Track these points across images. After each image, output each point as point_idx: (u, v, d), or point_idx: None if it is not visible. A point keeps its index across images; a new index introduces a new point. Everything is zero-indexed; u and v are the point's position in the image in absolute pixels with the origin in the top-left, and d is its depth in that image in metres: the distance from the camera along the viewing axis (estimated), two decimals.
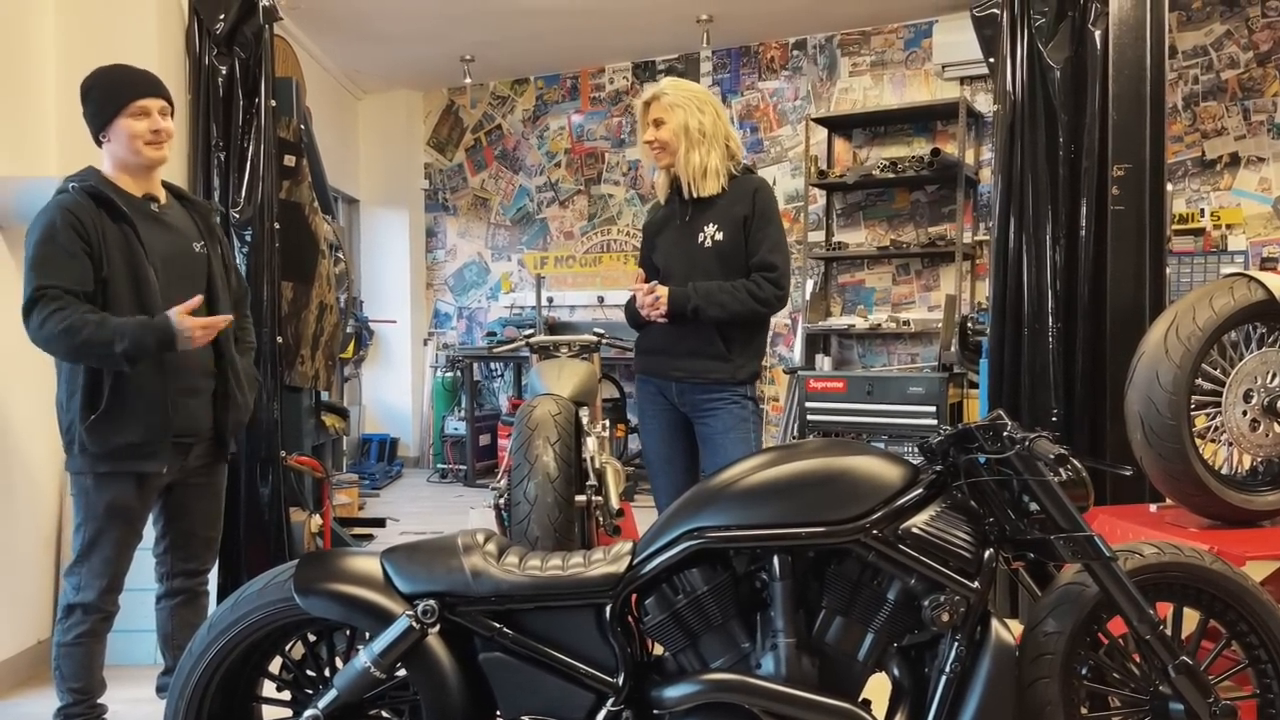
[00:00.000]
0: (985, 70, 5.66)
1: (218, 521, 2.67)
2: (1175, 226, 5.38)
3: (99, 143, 2.45)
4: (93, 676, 2.50)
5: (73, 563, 2.46)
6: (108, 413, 2.33)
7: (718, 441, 2.84)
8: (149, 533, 2.59)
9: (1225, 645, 1.90)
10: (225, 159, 3.61)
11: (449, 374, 7.69)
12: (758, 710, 1.74)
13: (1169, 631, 1.80)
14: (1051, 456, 1.69)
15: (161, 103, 2.45)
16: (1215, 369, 2.56)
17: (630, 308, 2.96)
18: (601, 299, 7.40)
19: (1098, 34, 3.33)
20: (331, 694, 1.80)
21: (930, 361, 6.10)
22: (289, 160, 3.93)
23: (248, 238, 3.60)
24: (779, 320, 6.81)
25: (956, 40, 5.90)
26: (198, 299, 2.32)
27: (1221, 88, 5.57)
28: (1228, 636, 1.89)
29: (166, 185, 2.57)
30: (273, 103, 3.68)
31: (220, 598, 3.25)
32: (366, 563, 1.85)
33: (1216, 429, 2.57)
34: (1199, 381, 2.52)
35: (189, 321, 2.26)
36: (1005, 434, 1.76)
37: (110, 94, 2.40)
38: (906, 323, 6.16)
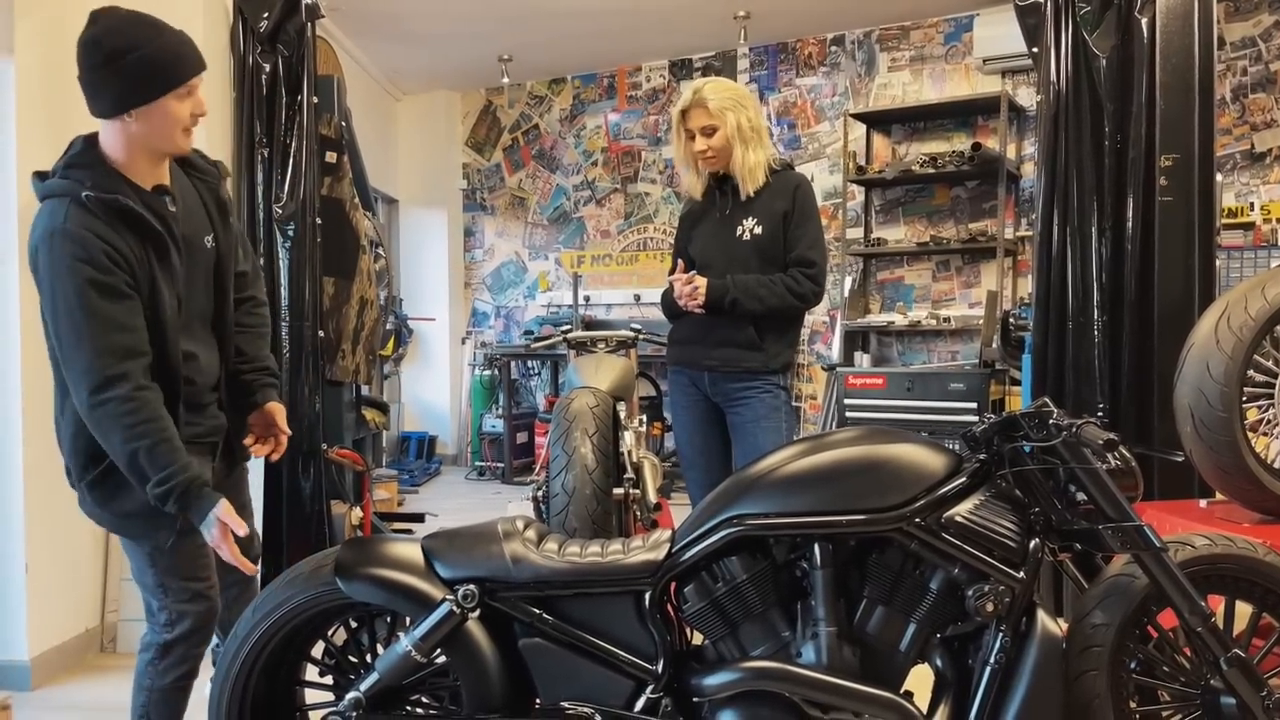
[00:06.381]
0: (1027, 63, 5.61)
1: (250, 510, 2.34)
2: (1224, 220, 5.26)
3: (111, 115, 1.92)
4: None
5: (149, 602, 2.09)
6: (110, 473, 1.94)
7: (749, 430, 2.82)
8: None
9: (1279, 640, 1.85)
10: (269, 155, 3.66)
11: (487, 372, 7.74)
12: (798, 699, 1.73)
13: (1221, 624, 1.76)
14: (1100, 442, 1.65)
15: (201, 77, 2.00)
16: (1268, 360, 2.50)
17: (667, 297, 2.95)
18: (638, 297, 7.41)
19: (1144, 22, 3.27)
20: (373, 677, 1.81)
21: (971, 359, 6.02)
22: (330, 157, 3.98)
23: (290, 233, 3.65)
24: (817, 317, 6.77)
25: (998, 33, 5.83)
26: (244, 529, 1.90)
27: (1271, 79, 5.44)
28: None
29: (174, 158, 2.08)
30: (315, 99, 3.72)
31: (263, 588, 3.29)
32: (408, 549, 1.87)
33: (1269, 422, 2.51)
34: (1251, 373, 2.47)
35: (219, 530, 1.89)
36: (1051, 421, 1.73)
37: (160, 66, 1.90)
38: (947, 320, 6.09)
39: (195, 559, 2.08)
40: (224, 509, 1.89)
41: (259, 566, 2.27)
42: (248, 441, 2.25)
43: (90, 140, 1.97)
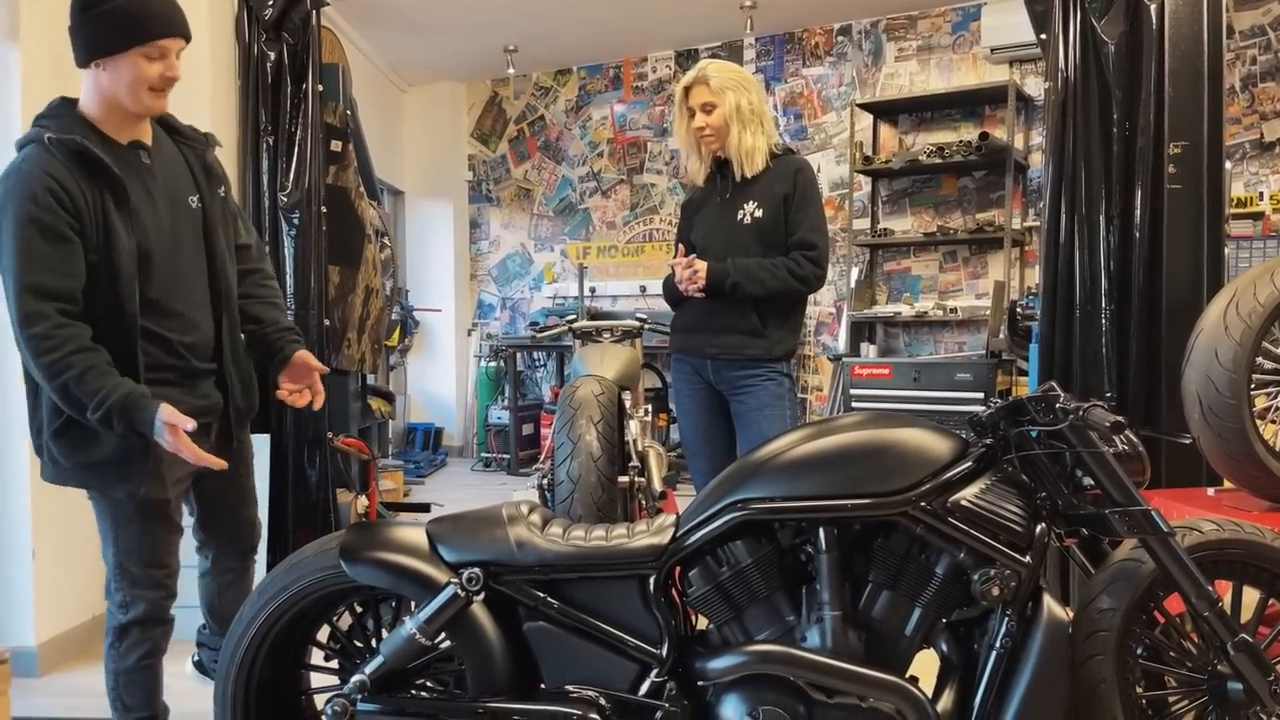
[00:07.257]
0: (1035, 53, 5.57)
1: (254, 497, 2.37)
2: (1233, 210, 5.23)
3: (81, 64, 1.97)
4: (157, 701, 2.20)
5: (109, 580, 2.13)
6: (76, 422, 1.94)
7: (753, 418, 2.81)
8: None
9: None
10: (274, 143, 3.66)
11: (493, 364, 7.74)
12: (803, 683, 1.72)
13: (1228, 610, 1.75)
14: (1107, 425, 1.65)
15: (182, 43, 2.00)
16: (1277, 347, 2.48)
17: (668, 283, 2.94)
18: (644, 288, 7.40)
19: (1153, 8, 3.25)
20: (378, 660, 1.81)
21: (978, 350, 6.00)
22: (336, 145, 3.98)
23: (295, 221, 3.65)
24: (823, 308, 6.75)
25: (1005, 22, 5.79)
26: (192, 424, 1.90)
27: None
28: None
29: (159, 119, 2.12)
30: (320, 88, 3.72)
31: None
32: (412, 532, 1.86)
33: (1278, 409, 2.49)
34: (1259, 360, 2.45)
35: (170, 433, 1.88)
36: (1058, 405, 1.72)
37: (128, 20, 1.91)
38: (954, 310, 6.07)
39: (158, 545, 2.11)
40: (168, 412, 1.88)
41: (261, 550, 2.29)
42: (283, 394, 2.26)
43: (68, 99, 2.03)
